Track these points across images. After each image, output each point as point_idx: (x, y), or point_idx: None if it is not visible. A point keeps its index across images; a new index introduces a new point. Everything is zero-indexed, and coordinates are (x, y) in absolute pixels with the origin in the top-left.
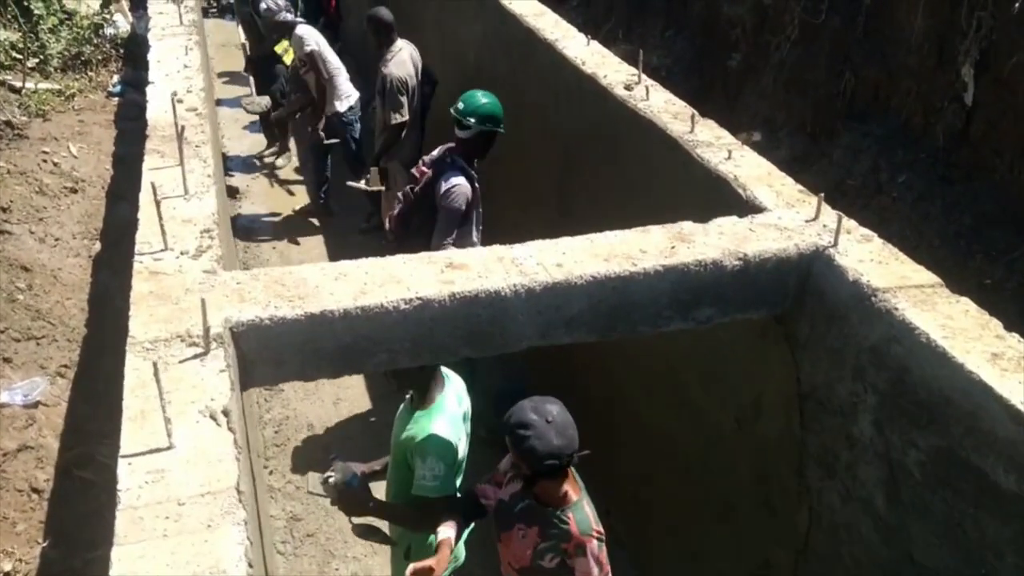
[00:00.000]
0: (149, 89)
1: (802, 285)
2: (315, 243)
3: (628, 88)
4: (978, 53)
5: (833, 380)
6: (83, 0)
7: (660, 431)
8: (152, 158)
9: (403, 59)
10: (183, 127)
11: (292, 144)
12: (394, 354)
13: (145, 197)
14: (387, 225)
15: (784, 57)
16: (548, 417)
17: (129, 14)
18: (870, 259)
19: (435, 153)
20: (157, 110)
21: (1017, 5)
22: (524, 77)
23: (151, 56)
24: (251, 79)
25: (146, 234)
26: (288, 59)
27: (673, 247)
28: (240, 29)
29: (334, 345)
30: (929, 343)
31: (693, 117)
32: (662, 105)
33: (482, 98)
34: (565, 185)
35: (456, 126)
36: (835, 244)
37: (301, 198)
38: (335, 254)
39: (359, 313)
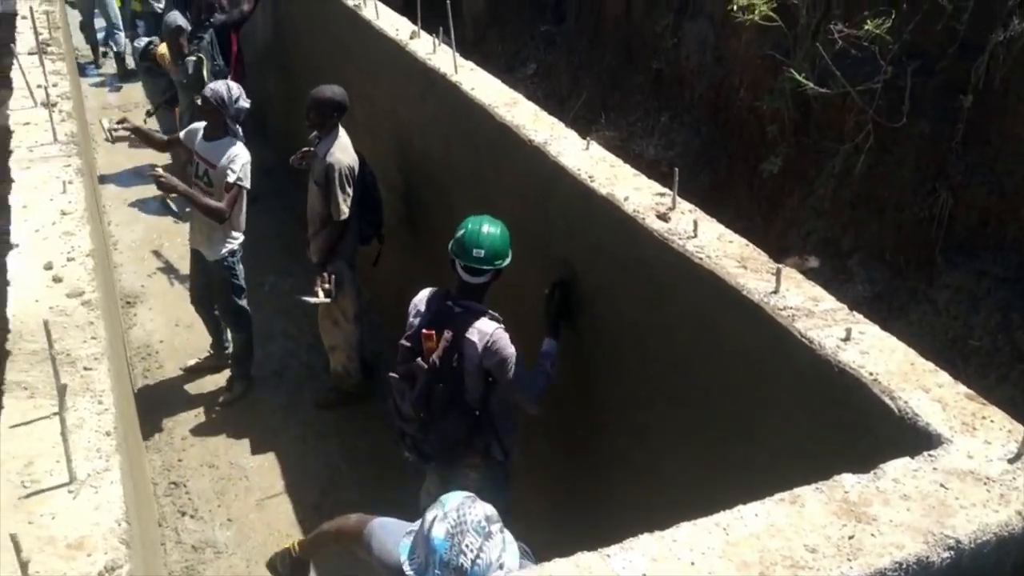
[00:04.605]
0: (10, 258)
1: (1021, 567)
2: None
3: (663, 218)
4: None
5: None
6: None
7: None
8: (12, 401)
9: (347, 144)
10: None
11: None
12: None
13: None
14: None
15: (850, 166)
16: None
17: None
18: None
19: (422, 306)
20: (23, 299)
21: None
22: (496, 183)
23: (13, 198)
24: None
25: None
26: None
27: (851, 536)
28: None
29: None
30: None
31: (779, 272)
32: (717, 244)
33: (489, 227)
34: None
35: (467, 272)
36: None
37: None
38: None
39: None
